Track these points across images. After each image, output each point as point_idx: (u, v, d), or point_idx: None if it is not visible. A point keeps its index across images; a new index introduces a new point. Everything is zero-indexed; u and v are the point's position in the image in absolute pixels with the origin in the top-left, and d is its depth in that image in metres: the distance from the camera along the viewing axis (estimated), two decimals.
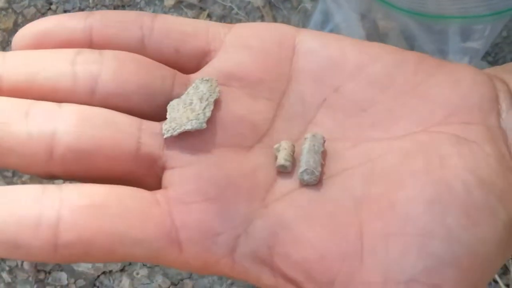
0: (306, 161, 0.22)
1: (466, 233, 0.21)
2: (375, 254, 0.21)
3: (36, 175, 0.22)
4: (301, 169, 0.22)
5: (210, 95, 0.23)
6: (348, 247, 0.21)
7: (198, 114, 0.23)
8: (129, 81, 0.23)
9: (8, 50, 0.50)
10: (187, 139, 0.23)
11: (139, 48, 0.24)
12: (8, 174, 0.59)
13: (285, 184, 0.23)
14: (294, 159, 0.23)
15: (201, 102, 0.23)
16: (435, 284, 0.20)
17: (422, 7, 0.47)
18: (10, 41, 0.48)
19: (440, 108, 0.24)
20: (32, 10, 0.48)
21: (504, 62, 0.53)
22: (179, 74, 0.24)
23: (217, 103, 0.23)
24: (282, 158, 0.23)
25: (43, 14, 0.50)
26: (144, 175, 0.22)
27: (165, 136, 0.22)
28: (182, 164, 0.22)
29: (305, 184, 0.23)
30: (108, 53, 0.23)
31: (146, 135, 0.22)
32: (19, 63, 0.23)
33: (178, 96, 0.24)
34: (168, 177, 0.22)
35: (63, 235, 0.20)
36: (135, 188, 0.21)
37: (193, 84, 0.24)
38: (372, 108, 0.24)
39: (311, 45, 0.25)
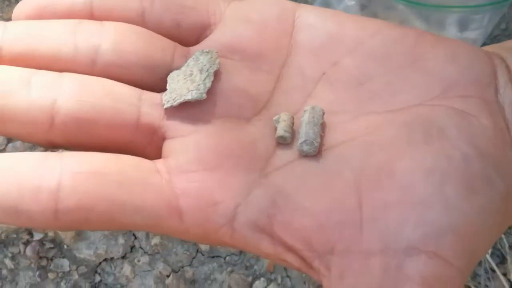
0: (306, 132, 0.23)
1: (464, 202, 0.21)
2: (374, 222, 0.21)
3: (37, 144, 0.22)
4: (300, 140, 0.23)
5: (210, 67, 0.23)
6: (347, 216, 0.21)
7: (199, 84, 0.23)
8: (130, 52, 0.23)
9: None
10: (187, 109, 0.23)
11: (140, 21, 0.24)
12: None
13: (285, 155, 0.23)
14: (293, 131, 0.23)
15: (201, 73, 0.23)
16: (433, 251, 0.20)
17: None
18: None
19: (438, 81, 0.24)
20: None
21: None
22: (179, 46, 0.24)
23: (217, 74, 0.23)
24: (282, 129, 0.23)
25: None
26: (145, 144, 0.23)
27: (165, 107, 0.22)
28: (182, 133, 0.22)
29: (304, 155, 0.23)
30: (109, 24, 0.23)
31: (147, 105, 0.22)
32: (20, 33, 0.23)
33: (178, 68, 0.24)
34: (168, 146, 0.22)
35: (64, 201, 0.20)
36: (135, 157, 0.22)
37: (193, 56, 0.24)
38: (370, 82, 0.24)
39: (310, 19, 0.25)
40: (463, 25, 0.49)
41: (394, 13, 0.51)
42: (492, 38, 0.53)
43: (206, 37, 0.25)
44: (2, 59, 0.22)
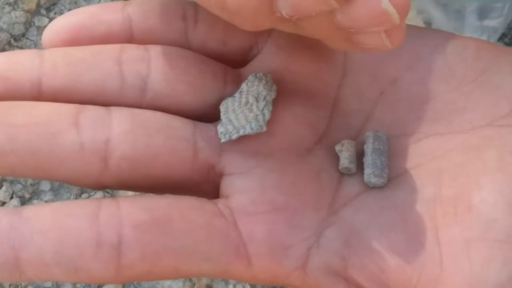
0: (373, 162, 0.21)
1: None
2: (456, 261, 0.19)
3: (87, 187, 0.20)
4: (368, 171, 0.21)
5: (268, 94, 0.21)
6: (426, 254, 0.20)
7: (257, 115, 0.21)
8: (180, 80, 0.21)
9: (31, 30, 0.48)
10: (245, 142, 0.21)
11: (183, 42, 0.23)
12: None
13: (351, 187, 0.21)
14: (356, 159, 0.22)
15: (257, 102, 0.21)
16: None
17: None
18: (34, 22, 0.47)
19: (505, 99, 0.22)
20: None
21: None
22: (229, 69, 0.23)
23: (274, 102, 0.22)
24: (346, 159, 0.21)
25: None
26: (201, 181, 0.21)
27: (222, 141, 0.21)
28: (242, 170, 0.21)
29: (371, 187, 0.21)
30: (154, 49, 0.22)
31: (202, 140, 0.21)
32: (60, 63, 0.21)
33: (231, 94, 0.22)
34: (227, 184, 0.21)
35: (127, 256, 0.18)
36: (196, 198, 0.20)
37: (246, 81, 0.22)
38: (432, 101, 0.23)
39: None
40: (483, 14, 0.48)
41: (412, 3, 0.49)
42: (510, 28, 0.51)
43: (253, 56, 0.23)
44: (43, 94, 0.20)
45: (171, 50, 0.22)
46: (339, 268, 0.20)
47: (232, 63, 0.23)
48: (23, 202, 0.45)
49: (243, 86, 0.22)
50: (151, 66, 0.21)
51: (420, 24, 0.49)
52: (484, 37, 0.50)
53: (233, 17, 0.19)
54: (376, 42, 0.18)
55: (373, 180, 0.21)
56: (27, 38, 0.48)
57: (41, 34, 0.48)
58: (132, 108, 0.21)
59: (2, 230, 0.18)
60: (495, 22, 0.48)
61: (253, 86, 0.22)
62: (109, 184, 0.20)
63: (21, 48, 0.47)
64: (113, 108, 0.20)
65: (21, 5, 0.47)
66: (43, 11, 0.48)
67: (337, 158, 0.22)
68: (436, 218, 0.20)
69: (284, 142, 0.21)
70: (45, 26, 0.48)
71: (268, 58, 0.23)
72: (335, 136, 0.22)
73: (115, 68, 0.21)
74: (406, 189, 0.21)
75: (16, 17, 0.47)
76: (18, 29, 0.48)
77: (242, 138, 0.21)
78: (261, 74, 0.22)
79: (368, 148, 0.22)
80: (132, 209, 0.19)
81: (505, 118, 0.22)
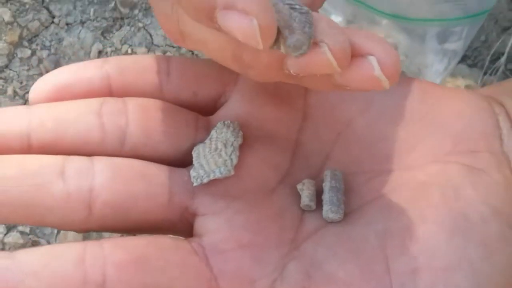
0: (330, 200, 0.24)
1: (485, 263, 0.22)
2: None
3: (73, 231, 0.22)
4: (325, 208, 0.24)
5: (235, 140, 0.24)
6: (377, 284, 0.22)
7: (226, 160, 0.23)
8: (156, 130, 0.24)
9: (13, 62, 0.50)
10: (215, 185, 0.23)
11: (158, 94, 0.25)
12: None
13: (311, 222, 0.24)
14: (316, 197, 0.24)
15: (226, 148, 0.24)
16: None
17: (403, 12, 0.49)
18: (16, 54, 0.49)
19: (448, 137, 0.25)
20: (36, 23, 0.49)
21: (482, 66, 0.55)
22: (200, 117, 0.25)
23: (240, 147, 0.24)
24: (307, 197, 0.24)
25: (47, 28, 0.50)
26: (176, 222, 0.23)
27: (194, 184, 0.23)
28: (213, 211, 0.23)
29: (329, 222, 0.24)
30: (132, 102, 0.24)
31: (176, 184, 0.23)
32: (46, 118, 0.23)
33: (202, 140, 0.24)
34: (200, 224, 0.23)
35: None
36: (172, 238, 0.22)
37: (216, 128, 0.24)
38: (383, 141, 0.25)
39: None
40: (443, 38, 0.51)
41: (378, 28, 0.52)
42: (473, 50, 0.54)
43: (222, 104, 0.26)
44: (32, 147, 0.23)
45: (147, 102, 0.24)
46: None
47: (202, 111, 0.25)
48: (9, 228, 0.47)
49: (213, 133, 0.24)
50: (129, 118, 0.23)
51: None
52: (445, 59, 0.53)
53: (246, 70, 0.21)
54: (368, 79, 0.20)
55: (331, 215, 0.23)
56: (10, 69, 0.50)
57: (23, 65, 0.50)
58: (113, 157, 0.23)
59: None
60: (455, 46, 0.51)
61: (221, 133, 0.24)
62: (93, 228, 0.22)
63: (4, 79, 0.49)
64: (95, 158, 0.23)
65: (4, 37, 0.49)
66: (25, 43, 0.50)
67: (298, 196, 0.24)
68: (386, 249, 0.23)
69: (250, 184, 0.24)
70: (28, 58, 0.50)
71: (235, 106, 0.25)
72: (297, 176, 0.25)
73: (96, 121, 0.23)
74: (360, 223, 0.23)
75: None
76: (1, 61, 0.49)
77: (212, 182, 0.23)
78: (229, 122, 0.24)
79: (326, 186, 0.24)
80: (114, 249, 0.21)
81: (448, 155, 0.25)
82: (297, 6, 0.19)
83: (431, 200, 0.23)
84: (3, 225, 0.47)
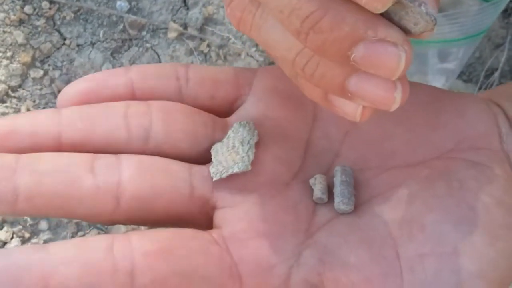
0: (341, 193, 0.25)
1: (490, 248, 0.23)
2: (413, 272, 0.23)
3: (101, 223, 0.24)
4: (337, 200, 0.25)
5: (251, 138, 0.25)
6: (388, 268, 0.23)
7: (243, 157, 0.25)
8: (177, 130, 0.25)
9: (26, 82, 0.52)
10: (233, 180, 0.25)
11: (178, 97, 0.27)
12: None
13: (324, 214, 0.25)
14: (328, 191, 0.26)
15: (243, 145, 0.25)
16: None
17: None
18: (29, 74, 0.51)
19: (451, 136, 0.27)
20: (48, 45, 0.51)
21: (477, 81, 0.57)
22: (217, 118, 0.26)
23: (256, 145, 0.26)
24: (319, 191, 0.25)
25: (58, 49, 0.52)
26: (197, 214, 0.25)
27: (214, 179, 0.25)
28: (231, 204, 0.24)
29: (341, 213, 0.25)
30: (155, 104, 0.26)
31: (197, 179, 0.25)
32: (76, 119, 0.25)
33: (220, 140, 0.26)
34: (220, 216, 0.24)
35: (139, 279, 0.22)
36: (193, 230, 0.24)
37: (233, 128, 0.26)
38: (390, 139, 0.27)
39: None
40: (442, 57, 0.53)
41: None
42: (468, 66, 0.56)
43: (238, 107, 0.27)
44: (62, 145, 0.24)
45: (169, 105, 0.26)
46: (316, 283, 0.23)
47: (220, 114, 0.27)
48: (24, 241, 0.48)
49: (230, 132, 0.26)
50: (153, 119, 0.25)
51: None
52: (443, 78, 0.55)
53: (305, 86, 0.22)
54: (349, 112, 0.21)
55: (342, 207, 0.25)
56: (23, 89, 0.51)
57: (36, 85, 0.51)
58: (138, 155, 0.24)
59: (33, 262, 0.21)
60: (452, 65, 0.53)
61: (238, 132, 0.26)
62: (120, 220, 0.24)
63: (18, 98, 0.51)
64: (122, 156, 0.24)
65: (17, 59, 0.51)
66: (38, 64, 0.52)
67: (311, 190, 0.26)
68: (395, 237, 0.24)
69: (266, 179, 0.25)
70: (40, 78, 0.51)
71: (250, 108, 0.27)
72: (309, 172, 0.26)
73: (122, 122, 0.25)
74: (370, 214, 0.25)
75: (13, 69, 0.51)
76: (15, 81, 0.51)
77: (230, 177, 0.25)
78: (245, 122, 0.26)
79: (337, 180, 0.26)
80: (141, 241, 0.22)
81: (451, 152, 0.26)
82: None
83: (437, 192, 0.25)
84: (18, 238, 0.48)
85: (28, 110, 0.51)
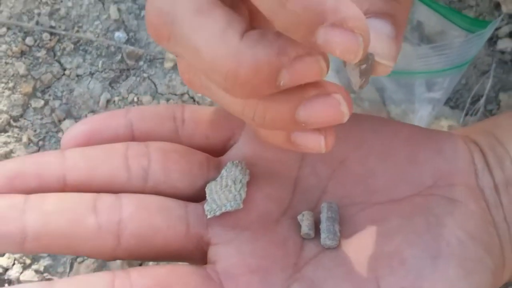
0: (327, 229, 0.27)
1: (463, 282, 0.25)
2: None
3: (103, 259, 0.25)
4: (323, 236, 0.27)
5: (243, 177, 0.27)
6: None
7: (235, 195, 0.27)
8: (174, 170, 0.27)
9: (28, 112, 0.54)
10: (226, 218, 0.27)
11: (175, 138, 0.28)
12: None
13: (311, 249, 0.27)
14: (315, 227, 0.27)
15: (235, 184, 0.27)
16: None
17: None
18: (30, 104, 0.52)
19: (430, 173, 0.28)
20: (49, 76, 0.53)
21: (463, 107, 0.59)
22: (211, 158, 0.28)
23: (247, 184, 0.27)
24: (306, 227, 0.27)
25: (58, 79, 0.54)
26: (193, 251, 0.26)
27: (208, 217, 0.26)
28: (224, 240, 0.26)
29: (327, 248, 0.27)
30: (153, 145, 0.27)
31: (193, 217, 0.26)
32: (79, 161, 0.26)
33: (214, 178, 0.28)
34: (214, 252, 0.26)
35: None
36: (190, 265, 0.25)
37: (226, 167, 0.28)
38: (374, 176, 0.29)
39: None
40: (429, 87, 0.55)
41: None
42: (455, 92, 0.58)
43: (231, 145, 0.29)
44: (67, 186, 0.26)
45: (166, 145, 0.28)
46: None
47: (214, 153, 0.29)
48: (25, 267, 0.50)
49: (223, 171, 0.28)
50: (151, 160, 0.27)
51: (374, 93, 0.56)
52: (430, 106, 0.57)
53: (264, 135, 0.24)
54: (313, 146, 0.24)
55: (328, 242, 0.27)
56: (24, 119, 0.53)
57: (37, 115, 0.53)
58: (137, 194, 0.26)
59: None
60: (438, 94, 0.55)
61: (231, 171, 0.27)
62: (121, 256, 0.25)
63: (19, 127, 0.53)
64: (122, 195, 0.26)
65: (19, 89, 0.53)
66: (39, 94, 0.54)
67: (299, 226, 0.27)
68: (377, 270, 0.26)
69: (257, 216, 0.27)
70: (41, 107, 0.53)
71: (243, 147, 0.29)
72: (297, 208, 0.28)
73: (122, 163, 0.26)
74: (354, 249, 0.27)
75: (14, 100, 0.53)
76: (16, 111, 0.53)
77: (224, 214, 0.27)
78: (237, 161, 0.28)
79: (323, 217, 0.27)
80: (140, 277, 0.24)
81: (430, 188, 0.28)
82: None
83: (416, 227, 0.27)
84: (19, 264, 0.50)
85: (29, 139, 0.52)
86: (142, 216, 0.25)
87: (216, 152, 0.29)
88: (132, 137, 0.28)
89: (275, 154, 0.29)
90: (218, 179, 0.28)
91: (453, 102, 0.60)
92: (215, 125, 0.29)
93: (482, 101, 0.60)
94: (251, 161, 0.28)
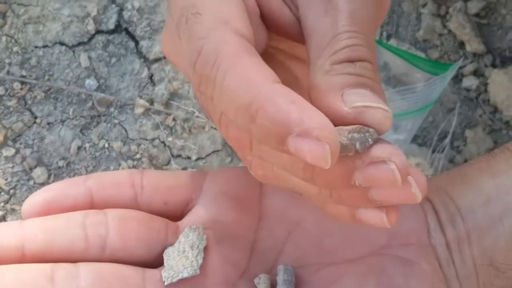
0: None
1: None
2: None
3: None
4: None
5: (200, 243, 0.28)
6: None
7: (192, 261, 0.27)
8: (132, 238, 0.28)
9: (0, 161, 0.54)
10: (184, 283, 0.27)
11: (133, 204, 0.29)
12: None
13: None
14: None
15: (192, 250, 0.28)
16: None
17: None
18: (1, 153, 0.53)
19: (384, 233, 0.29)
20: (20, 124, 0.53)
21: (431, 144, 0.60)
22: (170, 223, 0.29)
23: (205, 248, 0.28)
24: None
25: (29, 128, 0.54)
26: None
27: (165, 284, 0.27)
28: None
29: None
30: (111, 213, 0.28)
31: (150, 284, 0.27)
32: (37, 231, 0.27)
33: (172, 244, 0.28)
34: None
35: None
36: None
37: (183, 232, 0.28)
38: (330, 236, 0.29)
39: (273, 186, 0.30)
40: (394, 129, 0.57)
41: None
42: (422, 130, 0.60)
43: (189, 210, 0.30)
44: (25, 256, 0.26)
45: (124, 213, 0.28)
46: None
47: (172, 217, 0.29)
48: None
49: (181, 237, 0.28)
50: (109, 228, 0.27)
51: None
52: (396, 146, 0.58)
53: (333, 211, 0.25)
54: (377, 221, 0.24)
55: None
56: None
57: (8, 163, 0.54)
58: (95, 263, 0.27)
59: None
60: (402, 136, 0.57)
61: (188, 237, 0.28)
62: None
63: None
64: (80, 264, 0.26)
65: None
66: (10, 142, 0.54)
67: None
68: None
69: (214, 281, 0.28)
70: (12, 156, 0.54)
71: (200, 212, 0.29)
72: (254, 270, 0.29)
73: (81, 232, 0.27)
74: None
75: None
76: None
77: (181, 280, 0.27)
78: (195, 227, 0.29)
79: (280, 279, 0.28)
80: None
81: (384, 248, 0.29)
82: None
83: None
84: None
85: (0, 188, 0.53)
86: (99, 286, 0.26)
87: (175, 216, 0.30)
88: (92, 205, 0.29)
89: (232, 218, 0.29)
90: (176, 244, 0.28)
91: (421, 139, 0.61)
92: (174, 190, 0.30)
93: (448, 138, 0.61)
94: (208, 224, 0.29)
